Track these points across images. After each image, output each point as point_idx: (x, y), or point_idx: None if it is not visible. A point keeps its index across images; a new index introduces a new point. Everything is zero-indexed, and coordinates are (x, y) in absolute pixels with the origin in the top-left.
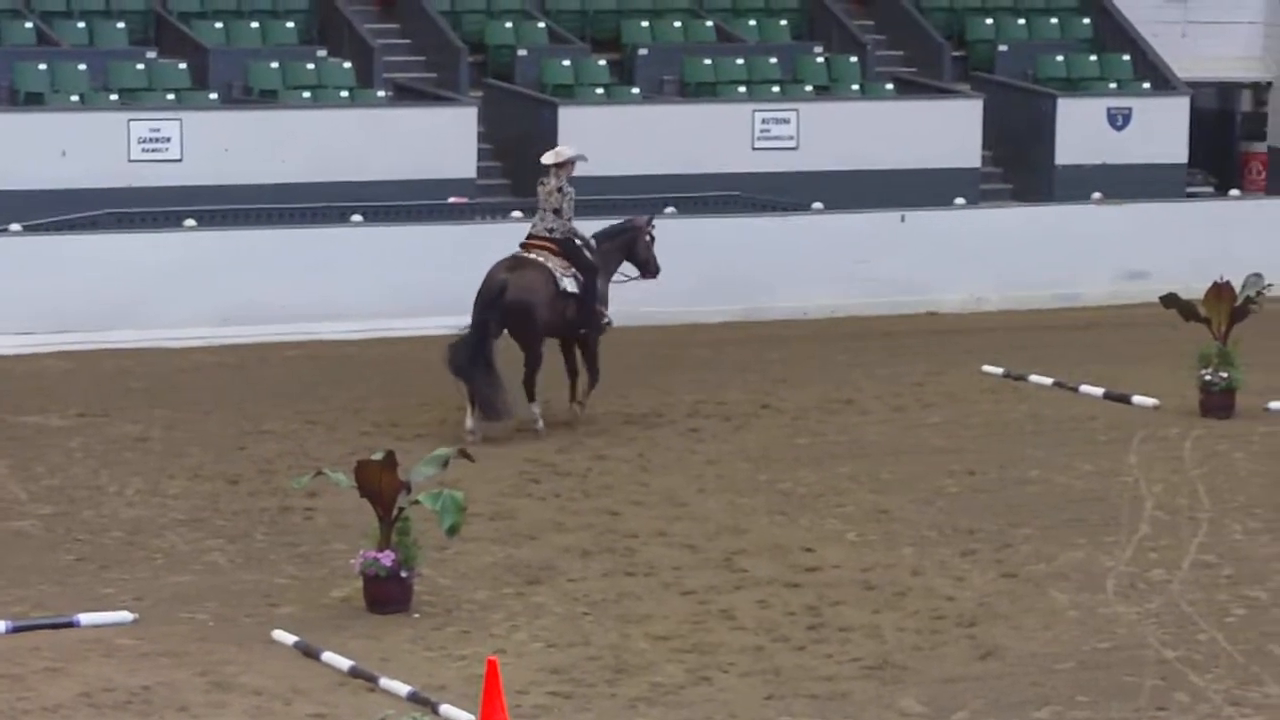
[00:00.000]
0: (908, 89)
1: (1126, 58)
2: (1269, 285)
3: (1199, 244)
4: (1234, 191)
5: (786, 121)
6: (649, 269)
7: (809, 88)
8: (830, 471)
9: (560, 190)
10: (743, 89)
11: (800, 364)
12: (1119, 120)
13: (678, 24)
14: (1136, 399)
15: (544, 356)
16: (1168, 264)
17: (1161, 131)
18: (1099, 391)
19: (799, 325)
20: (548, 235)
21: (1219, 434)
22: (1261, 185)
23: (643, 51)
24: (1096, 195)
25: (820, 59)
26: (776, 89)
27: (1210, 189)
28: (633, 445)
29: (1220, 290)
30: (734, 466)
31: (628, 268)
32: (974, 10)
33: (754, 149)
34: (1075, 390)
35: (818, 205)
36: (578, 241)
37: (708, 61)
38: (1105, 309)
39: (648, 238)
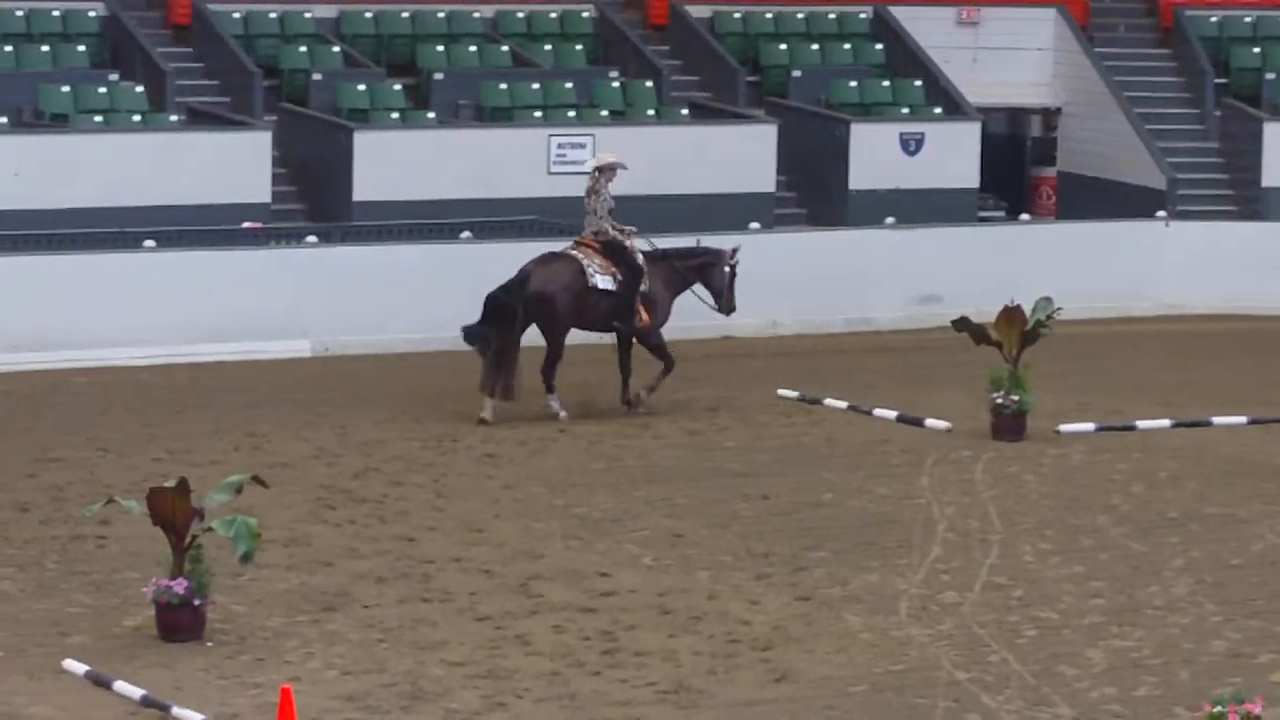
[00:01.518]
0: (703, 114)
1: (919, 83)
2: (1059, 309)
3: (990, 268)
4: (1025, 216)
5: (582, 146)
6: (722, 301)
7: (605, 113)
8: (626, 496)
9: (596, 193)
10: (539, 114)
11: (596, 389)
12: (911, 145)
13: (473, 48)
14: (929, 422)
15: (563, 348)
16: (960, 288)
17: (953, 156)
18: (892, 415)
19: (595, 350)
20: (594, 236)
21: (1010, 456)
22: (1052, 210)
23: (438, 76)
24: (890, 220)
25: (616, 84)
26: (572, 114)
27: (1001, 213)
28: (429, 471)
29: (1011, 314)
30: (530, 491)
31: (704, 293)
32: (768, 36)
33: (550, 173)
34: (869, 414)
35: None
36: (627, 244)
37: (504, 86)
38: (899, 333)
39: (726, 268)
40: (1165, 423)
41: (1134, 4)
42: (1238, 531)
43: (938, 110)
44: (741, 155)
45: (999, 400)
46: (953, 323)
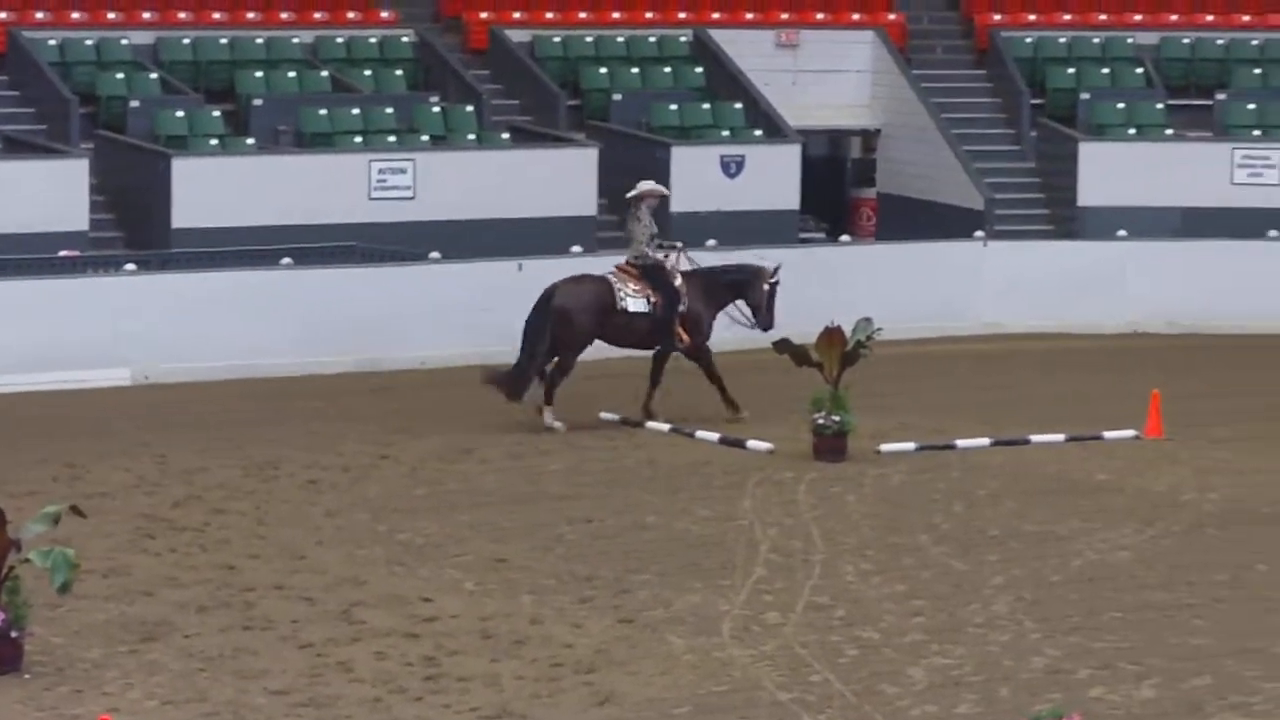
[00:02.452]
0: (524, 138)
1: (739, 106)
2: (879, 330)
3: (811, 290)
4: (845, 237)
5: (403, 171)
6: (760, 318)
7: (425, 137)
8: (449, 521)
9: (638, 219)
10: (359, 139)
11: (419, 414)
12: (732, 168)
13: (292, 74)
14: (751, 443)
15: (572, 366)
16: (780, 309)
17: (774, 178)
18: (714, 437)
19: (417, 375)
20: (632, 261)
21: (832, 477)
22: (871, 231)
23: (257, 102)
24: (711, 242)
25: (436, 109)
26: (393, 139)
27: (822, 235)
28: (250, 498)
29: (831, 335)
30: (353, 518)
31: (744, 309)
32: (588, 59)
33: (371, 199)
34: (691, 435)
35: (435, 255)
36: (667, 267)
37: (323, 112)
38: (720, 355)
39: (765, 286)
40: (985, 441)
41: (950, 26)
42: (1057, 549)
43: (758, 133)
44: (562, 179)
45: (820, 421)
46: (774, 344)
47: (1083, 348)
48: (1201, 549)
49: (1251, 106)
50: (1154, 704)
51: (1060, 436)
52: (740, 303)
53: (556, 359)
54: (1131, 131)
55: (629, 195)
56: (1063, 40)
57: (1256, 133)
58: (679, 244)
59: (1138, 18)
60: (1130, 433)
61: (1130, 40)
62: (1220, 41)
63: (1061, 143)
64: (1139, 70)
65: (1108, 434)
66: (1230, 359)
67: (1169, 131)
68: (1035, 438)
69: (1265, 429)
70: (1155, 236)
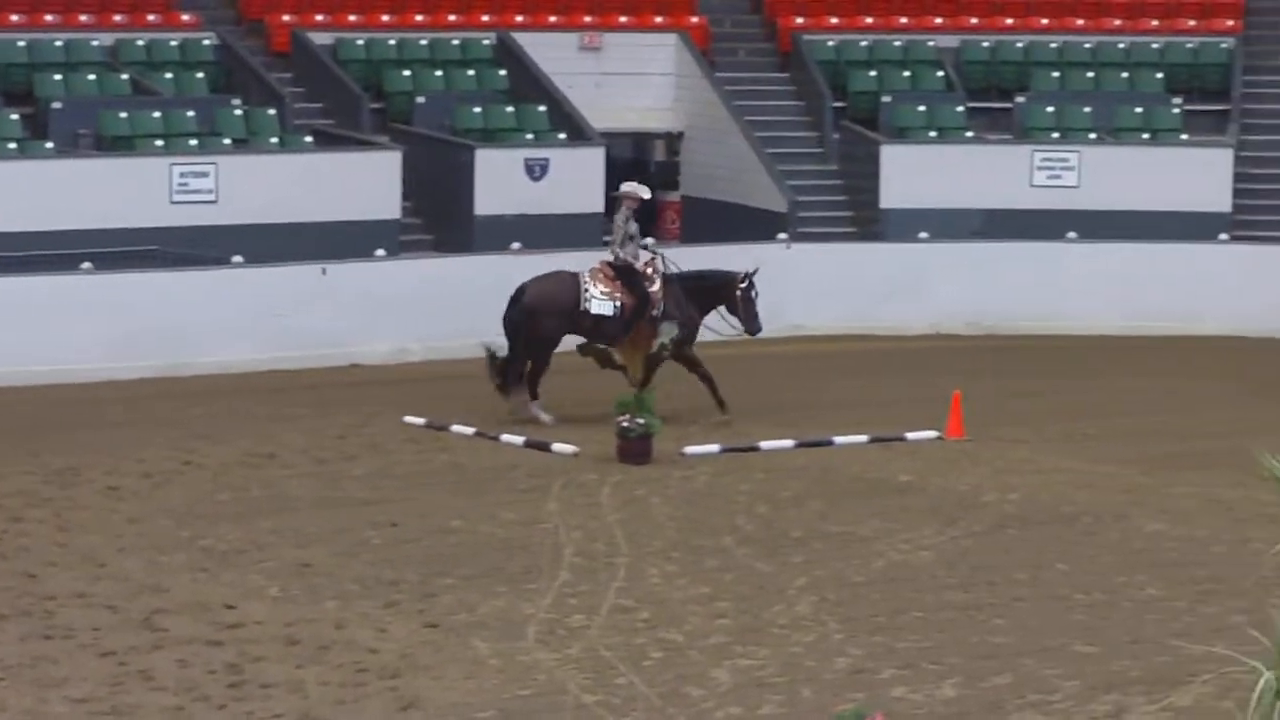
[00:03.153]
0: (327, 141)
1: (543, 109)
2: (677, 334)
3: None
4: (649, 240)
5: (205, 175)
6: (745, 324)
7: (227, 141)
8: (253, 526)
9: (615, 221)
10: (160, 142)
11: (222, 419)
12: (536, 171)
13: (92, 77)
14: (556, 446)
15: (547, 362)
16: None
17: (578, 181)
18: (520, 440)
19: (220, 380)
20: (610, 262)
21: (636, 479)
22: (676, 233)
23: (57, 105)
24: (516, 245)
25: (238, 112)
26: (194, 142)
27: None
28: (49, 505)
29: (635, 339)
30: (155, 524)
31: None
32: (391, 62)
33: (172, 203)
34: (496, 439)
35: (238, 259)
36: (639, 269)
37: (124, 115)
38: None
39: (737, 292)
40: (788, 443)
41: (753, 29)
42: (860, 549)
43: (562, 136)
44: (366, 182)
45: (625, 424)
46: (578, 347)
47: (885, 349)
48: (1002, 549)
49: (1050, 109)
50: (955, 703)
51: (863, 438)
52: (723, 309)
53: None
54: (932, 134)
55: (613, 195)
56: (864, 43)
57: (1055, 135)
58: (648, 241)
59: (938, 21)
60: (932, 433)
61: (931, 43)
62: (1019, 44)
63: (863, 145)
64: (939, 73)
65: (910, 435)
66: (1030, 360)
67: (969, 134)
68: (838, 439)
69: (1064, 429)
70: (956, 238)
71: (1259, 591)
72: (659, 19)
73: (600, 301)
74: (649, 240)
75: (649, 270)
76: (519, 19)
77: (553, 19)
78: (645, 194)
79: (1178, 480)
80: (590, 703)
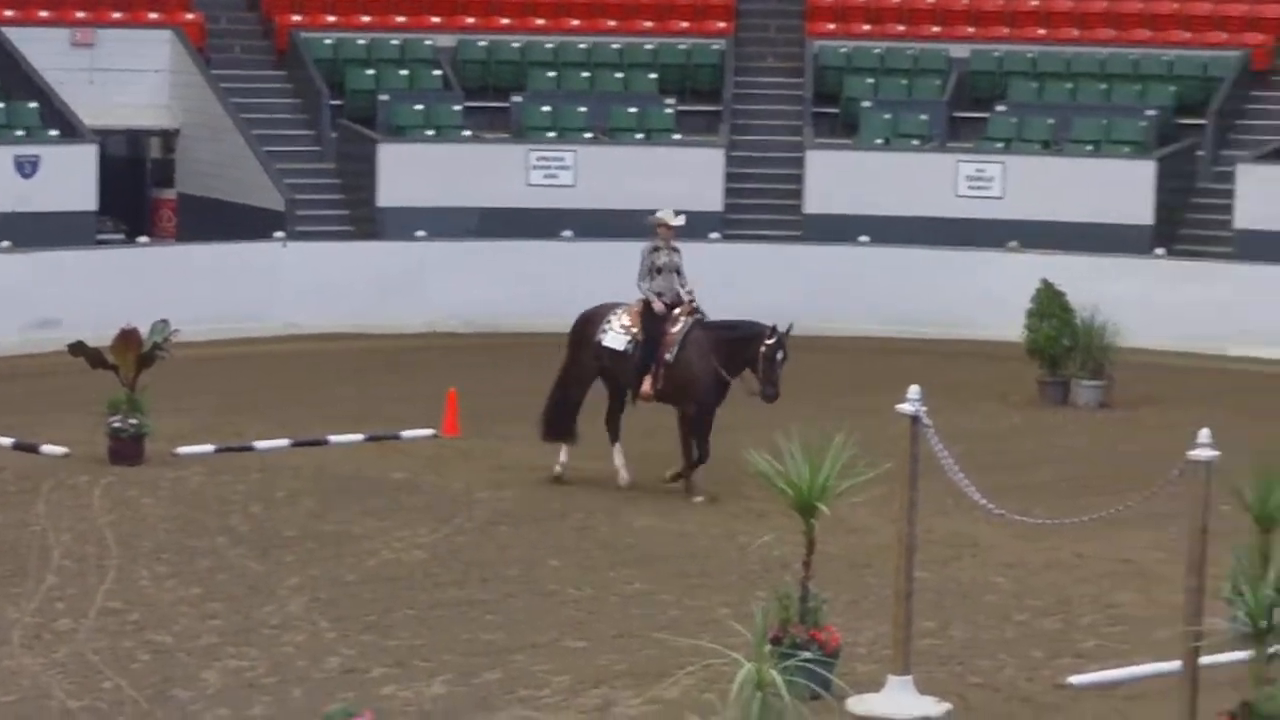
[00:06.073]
0: None
1: (34, 105)
2: (176, 331)
3: (109, 291)
4: (143, 238)
5: None
6: (761, 385)
7: None
8: None
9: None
10: None
11: None
12: (27, 168)
13: None
14: (46, 448)
15: (566, 395)
16: (78, 312)
17: (70, 179)
18: (8, 442)
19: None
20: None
21: (129, 480)
22: (172, 231)
23: None
24: (5, 244)
25: None
26: None
27: (121, 236)
28: None
29: (127, 337)
30: None
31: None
32: None
33: None
34: None
35: None
36: (656, 309)
37: None
38: (16, 359)
39: (763, 348)
40: (284, 442)
41: (250, 26)
42: (353, 548)
43: (54, 133)
44: None
45: (116, 424)
46: (69, 347)
47: (383, 348)
48: (495, 545)
49: (547, 109)
50: (445, 699)
51: (359, 436)
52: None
53: None
54: (430, 133)
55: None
56: (362, 42)
57: (552, 134)
58: (690, 296)
59: (435, 20)
60: (428, 431)
61: (428, 43)
62: (516, 44)
63: (361, 144)
64: (437, 72)
65: (406, 433)
66: (525, 358)
67: (466, 133)
68: (334, 438)
69: None
70: (453, 237)
71: (744, 585)
72: (153, 15)
73: (615, 335)
74: (688, 282)
75: (675, 310)
76: (9, 14)
77: (43, 14)
78: (675, 221)
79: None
80: (76, 708)
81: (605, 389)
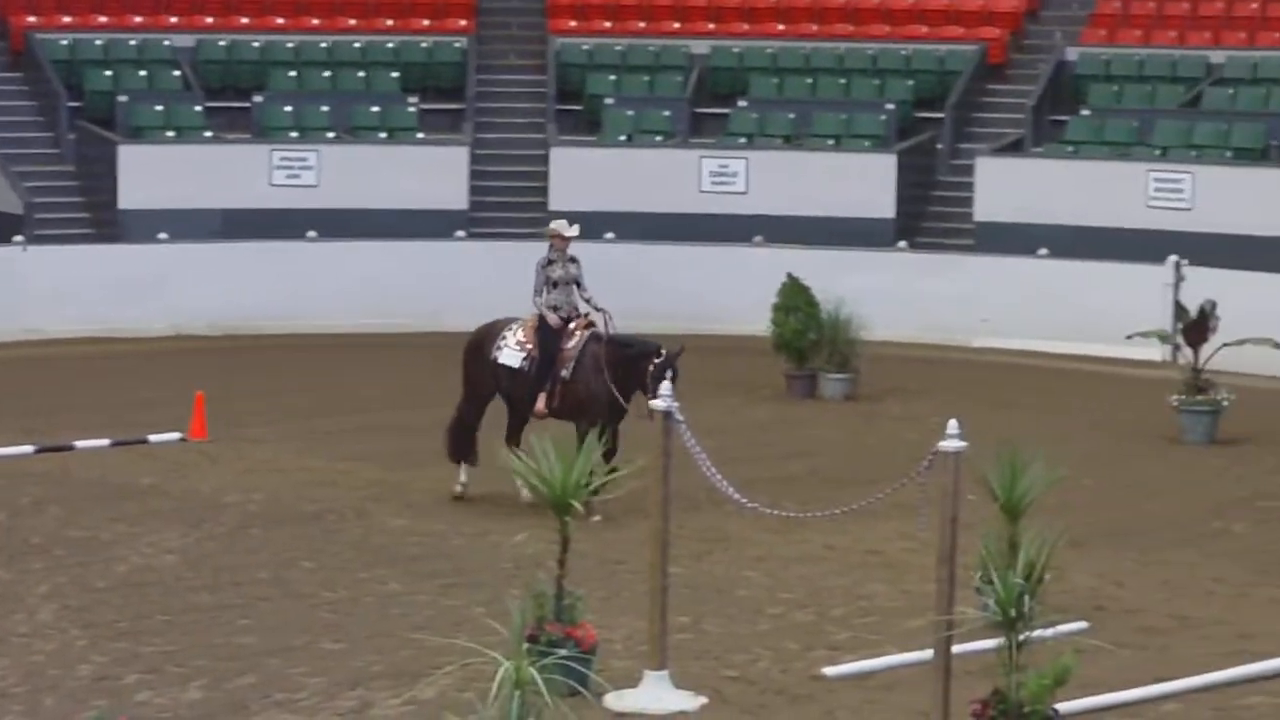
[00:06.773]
0: None
1: None
2: None
3: None
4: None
5: None
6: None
7: None
8: None
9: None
10: None
11: None
12: None
13: None
14: None
15: (463, 415)
16: None
17: None
18: None
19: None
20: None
21: None
22: None
23: None
24: None
25: None
26: None
27: None
28: None
29: None
30: None
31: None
32: None
33: None
34: None
35: None
36: (550, 323)
37: None
38: None
39: (651, 366)
40: (28, 448)
41: None
42: (102, 554)
43: None
44: None
45: None
46: None
47: (127, 351)
48: (246, 549)
49: (289, 108)
50: (201, 705)
51: (105, 441)
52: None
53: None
54: (170, 134)
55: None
56: (99, 42)
57: (294, 134)
58: (603, 309)
59: (173, 20)
60: (175, 435)
61: (167, 43)
62: (256, 44)
63: (101, 145)
64: (176, 72)
65: (153, 437)
66: (272, 359)
67: (208, 134)
68: (80, 443)
69: (305, 427)
70: (196, 239)
71: (498, 583)
72: None
73: (510, 352)
74: (588, 292)
75: (570, 325)
76: None
77: None
78: (569, 232)
79: (418, 476)
80: None
81: (504, 406)
